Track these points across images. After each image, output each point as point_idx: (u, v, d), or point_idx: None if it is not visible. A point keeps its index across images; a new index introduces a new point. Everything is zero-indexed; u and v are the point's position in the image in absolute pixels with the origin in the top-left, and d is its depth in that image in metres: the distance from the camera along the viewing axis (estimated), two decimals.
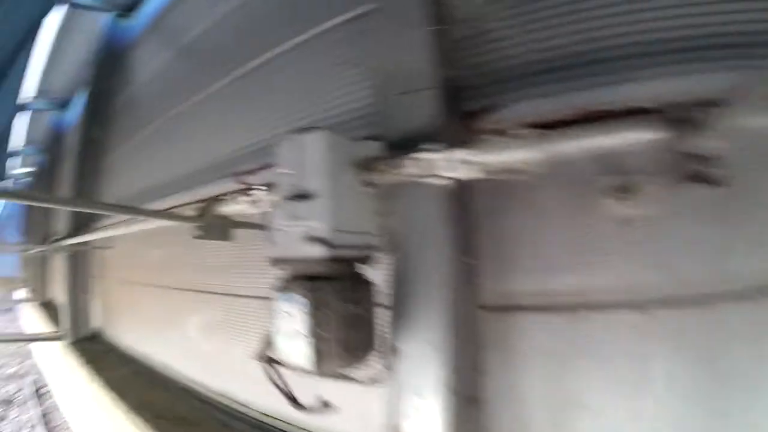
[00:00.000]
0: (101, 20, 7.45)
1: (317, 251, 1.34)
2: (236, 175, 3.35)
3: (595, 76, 1.83)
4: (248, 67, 3.68)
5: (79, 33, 8.47)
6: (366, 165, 1.54)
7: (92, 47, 7.65)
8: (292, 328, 1.38)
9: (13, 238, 19.43)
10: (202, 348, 4.16)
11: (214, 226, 2.18)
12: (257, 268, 3.37)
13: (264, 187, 1.79)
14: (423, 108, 1.84)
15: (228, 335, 3.73)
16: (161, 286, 4.98)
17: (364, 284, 1.54)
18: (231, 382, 3.80)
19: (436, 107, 1.84)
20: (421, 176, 1.42)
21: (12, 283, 18.82)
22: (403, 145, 1.78)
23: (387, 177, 1.48)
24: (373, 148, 1.69)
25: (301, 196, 1.39)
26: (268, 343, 1.90)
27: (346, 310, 1.38)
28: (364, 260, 1.58)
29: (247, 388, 3.60)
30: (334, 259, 1.38)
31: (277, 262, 1.49)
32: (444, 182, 1.45)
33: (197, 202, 3.92)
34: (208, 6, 4.49)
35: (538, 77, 1.97)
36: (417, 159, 1.41)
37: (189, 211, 2.19)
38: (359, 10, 2.71)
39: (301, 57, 3.16)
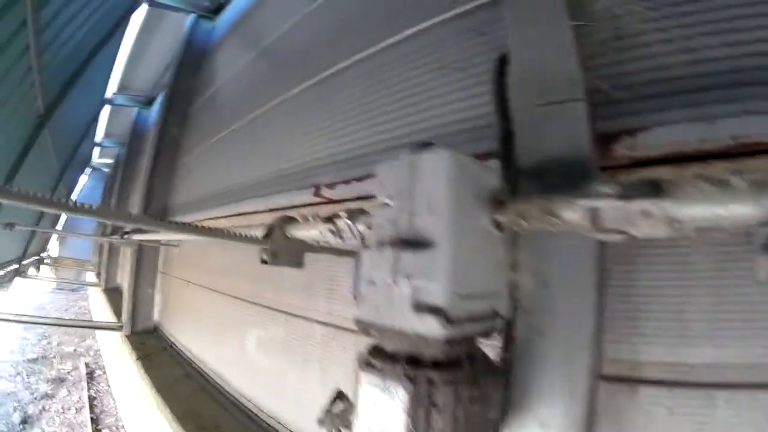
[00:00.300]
0: (184, 21, 7.58)
1: (430, 328, 0.90)
2: (315, 186, 3.05)
3: None
4: (334, 70, 3.34)
5: (162, 33, 8.71)
6: (497, 201, 1.09)
7: (174, 48, 7.80)
8: (381, 426, 0.97)
9: (89, 224, 20.57)
10: (257, 364, 3.95)
11: (284, 249, 1.84)
12: (326, 291, 3.08)
13: (347, 217, 1.39)
14: (570, 126, 1.39)
15: (286, 357, 3.47)
16: (223, 293, 4.86)
17: (489, 371, 1.06)
18: (284, 405, 3.54)
19: (585, 125, 1.39)
20: (581, 227, 0.97)
21: (84, 266, 19.88)
22: (540, 173, 1.35)
23: (529, 223, 1.03)
24: (497, 175, 1.24)
25: (411, 243, 0.96)
26: (337, 401, 1.52)
27: (462, 412, 0.95)
28: (487, 334, 1.13)
29: (301, 415, 3.30)
30: (452, 340, 0.96)
31: (366, 327, 1.07)
32: (609, 237, 0.99)
33: (269, 211, 3.72)
34: (292, 5, 4.28)
35: (696, 96, 1.55)
36: (582, 205, 0.95)
37: (256, 230, 1.84)
38: (467, 6, 2.31)
39: (394, 59, 2.77)
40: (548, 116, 1.43)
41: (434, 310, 0.92)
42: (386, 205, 1.05)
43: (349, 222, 1.39)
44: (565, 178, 1.31)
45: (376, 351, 1.05)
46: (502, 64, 1.71)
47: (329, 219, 1.47)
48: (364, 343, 1.12)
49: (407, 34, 2.68)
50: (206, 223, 4.99)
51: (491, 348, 1.36)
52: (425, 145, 1.03)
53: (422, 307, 0.93)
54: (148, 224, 1.63)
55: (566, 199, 0.97)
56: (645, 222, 0.94)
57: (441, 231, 0.94)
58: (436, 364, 0.95)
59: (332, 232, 1.48)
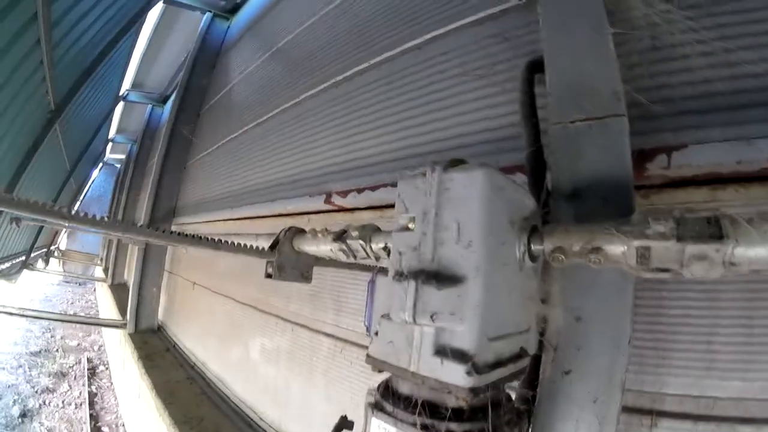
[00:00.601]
0: (200, 20, 7.57)
1: (454, 375, 0.78)
2: (326, 193, 2.95)
3: None
4: (349, 73, 3.22)
5: (178, 31, 8.70)
6: (532, 228, 0.96)
7: (189, 46, 7.77)
8: None
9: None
10: (261, 373, 3.84)
11: (291, 263, 1.74)
12: (335, 303, 2.98)
13: (359, 237, 1.26)
14: (611, 144, 1.26)
15: (292, 368, 3.37)
16: (230, 297, 4.76)
17: (514, 419, 0.92)
18: (287, 417, 3.43)
19: (628, 144, 1.27)
20: (625, 265, 0.85)
21: (92, 260, 19.94)
22: (577, 195, 1.23)
23: (568, 258, 0.90)
24: (531, 196, 1.11)
25: (436, 276, 0.83)
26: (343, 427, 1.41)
27: None
28: (515, 377, 0.98)
29: (304, 429, 3.20)
30: (477, 388, 0.81)
31: (378, 365, 0.94)
32: (653, 275, 0.87)
33: (278, 216, 3.62)
34: (309, 5, 4.20)
35: (734, 113, 1.46)
36: (631, 244, 0.81)
37: (263, 241, 1.74)
38: (491, 10, 2.21)
39: (413, 64, 2.65)
40: (587, 132, 1.30)
41: (460, 356, 0.79)
42: (407, 228, 0.93)
43: (362, 243, 1.27)
44: (605, 201, 1.19)
45: (389, 392, 0.93)
46: (532, 71, 1.59)
47: (340, 237, 1.35)
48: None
49: (427, 38, 2.57)
50: (214, 225, 4.97)
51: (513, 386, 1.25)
52: (456, 162, 0.91)
53: (446, 351, 0.80)
54: (149, 236, 1.55)
55: (611, 232, 0.84)
56: (699, 265, 0.82)
57: (472, 264, 0.81)
58: (457, 413, 0.83)
59: (344, 252, 1.36)
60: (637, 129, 1.49)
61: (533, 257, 0.97)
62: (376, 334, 0.94)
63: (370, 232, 1.28)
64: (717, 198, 1.45)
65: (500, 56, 2.13)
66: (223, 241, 1.80)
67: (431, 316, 0.81)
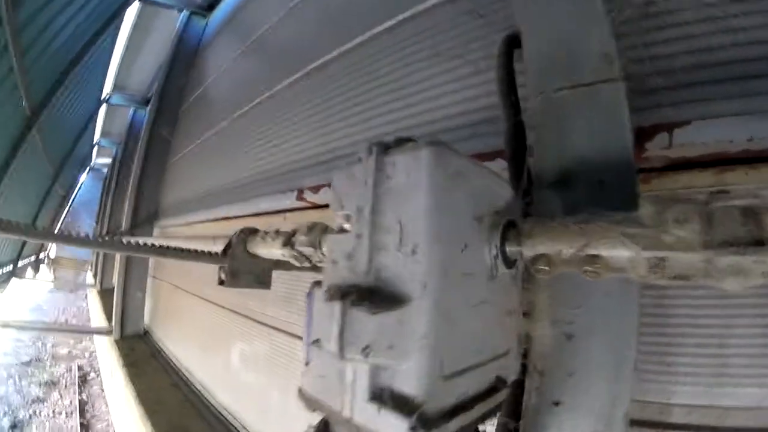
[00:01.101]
0: (177, 19, 7.40)
1: (394, 429, 0.56)
2: (298, 190, 2.81)
3: None
4: (320, 62, 3.10)
5: (157, 31, 8.56)
6: (507, 224, 0.73)
7: (167, 46, 7.61)
8: None
9: (89, 223, 20.53)
10: (242, 379, 3.74)
11: (246, 268, 1.53)
12: None
13: (308, 244, 1.04)
14: (604, 114, 1.06)
15: (271, 374, 3.28)
16: (209, 301, 4.63)
17: None
18: (268, 427, 3.33)
19: (625, 114, 1.06)
20: (630, 273, 0.63)
21: (83, 266, 19.83)
22: (565, 181, 1.03)
23: (552, 268, 0.68)
24: (507, 184, 0.88)
25: (372, 294, 0.60)
26: None
27: None
28: (486, 418, 0.74)
29: None
30: None
31: (311, 403, 0.71)
32: (668, 283, 0.66)
33: (253, 215, 3.47)
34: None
35: (743, 84, 1.30)
36: (641, 254, 0.60)
37: (219, 244, 1.55)
38: None
39: (384, 48, 2.50)
40: (575, 102, 1.09)
41: (402, 403, 0.56)
42: (343, 230, 0.71)
43: (312, 249, 1.05)
44: (601, 187, 0.98)
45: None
46: (510, 45, 1.40)
47: (288, 241, 1.14)
48: None
49: (399, 20, 2.43)
50: (193, 228, 4.81)
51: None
52: (400, 142, 0.69)
53: (384, 397, 0.58)
54: (92, 246, 1.37)
55: (614, 236, 0.62)
56: (733, 279, 0.61)
57: (418, 278, 0.58)
58: None
59: (296, 258, 1.15)
60: (634, 105, 1.31)
61: (509, 262, 0.75)
62: (308, 364, 0.72)
63: (319, 234, 1.07)
64: (724, 182, 1.30)
65: (475, 33, 1.97)
66: (173, 247, 1.62)
67: (364, 350, 0.59)
